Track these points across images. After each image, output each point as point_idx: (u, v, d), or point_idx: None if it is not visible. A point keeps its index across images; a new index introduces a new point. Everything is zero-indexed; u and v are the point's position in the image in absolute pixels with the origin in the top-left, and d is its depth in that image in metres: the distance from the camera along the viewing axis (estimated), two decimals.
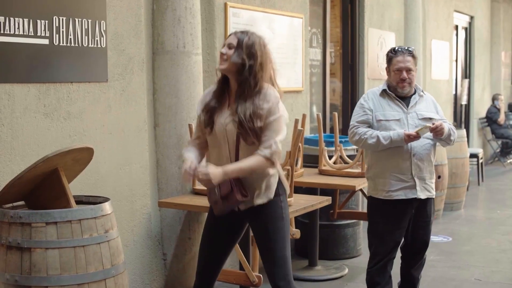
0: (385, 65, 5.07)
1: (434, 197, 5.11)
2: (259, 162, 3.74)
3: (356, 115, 5.05)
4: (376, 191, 5.05)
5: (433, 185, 5.07)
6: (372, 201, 5.12)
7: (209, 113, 3.86)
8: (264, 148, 3.74)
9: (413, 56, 4.96)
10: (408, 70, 4.93)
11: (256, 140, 3.75)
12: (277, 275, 3.91)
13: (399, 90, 4.98)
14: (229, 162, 3.84)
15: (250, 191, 3.86)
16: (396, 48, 5.00)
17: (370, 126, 4.98)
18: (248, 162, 3.74)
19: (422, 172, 4.95)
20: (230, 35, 3.87)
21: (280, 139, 3.78)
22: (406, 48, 5.00)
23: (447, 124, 4.96)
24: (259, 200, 3.89)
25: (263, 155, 3.74)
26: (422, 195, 4.96)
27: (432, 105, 5.10)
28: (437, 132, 4.83)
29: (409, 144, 4.88)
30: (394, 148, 4.90)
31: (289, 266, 3.94)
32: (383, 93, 5.03)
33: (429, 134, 4.89)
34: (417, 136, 4.80)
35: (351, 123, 5.07)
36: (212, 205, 3.97)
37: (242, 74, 3.74)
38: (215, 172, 3.68)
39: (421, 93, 5.07)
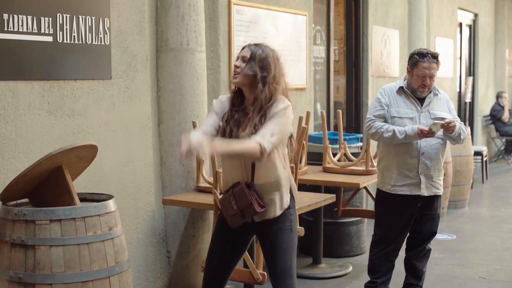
0: (407, 64, 5.09)
1: (441, 193, 5.21)
2: (250, 146, 3.60)
3: (373, 109, 5.14)
4: (383, 184, 5.20)
5: (441, 182, 5.19)
6: (379, 193, 5.28)
7: (232, 126, 3.78)
8: (260, 136, 3.64)
9: (438, 62, 5.00)
10: (431, 77, 4.98)
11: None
12: None
13: (418, 93, 5.03)
14: (244, 176, 3.81)
15: (266, 203, 3.82)
16: (423, 52, 5.00)
17: (386, 120, 5.08)
18: (239, 144, 3.65)
19: (429, 171, 5.04)
20: (244, 47, 3.84)
21: (277, 136, 3.69)
22: (432, 53, 5.00)
23: (458, 123, 5.03)
24: (276, 212, 3.85)
25: (256, 140, 3.61)
26: (427, 192, 5.07)
27: (445, 104, 5.19)
28: (448, 128, 4.89)
29: (418, 142, 4.98)
30: (404, 145, 5.01)
31: (294, 280, 3.90)
32: (400, 90, 5.09)
33: (440, 133, 4.95)
34: (430, 132, 4.85)
35: (367, 116, 5.17)
36: (227, 218, 3.88)
37: (256, 86, 3.71)
38: (207, 143, 3.51)
39: (436, 91, 5.14)
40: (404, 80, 5.16)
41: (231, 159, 3.84)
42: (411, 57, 5.07)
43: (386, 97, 5.12)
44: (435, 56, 5.00)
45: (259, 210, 3.76)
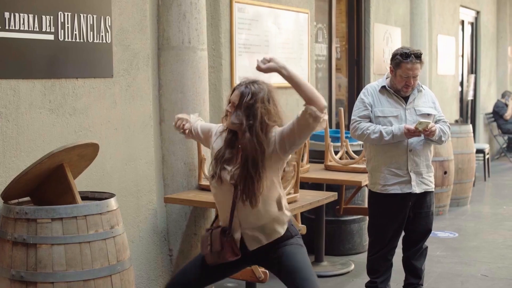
0: (390, 64, 5.05)
1: (433, 190, 5.18)
2: (318, 93, 3.55)
3: (357, 110, 5.12)
4: (374, 184, 5.18)
5: (432, 179, 5.16)
6: (371, 194, 5.25)
7: (220, 165, 3.73)
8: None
9: (421, 62, 4.96)
10: (415, 77, 4.95)
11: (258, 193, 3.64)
12: None
13: (402, 93, 5.01)
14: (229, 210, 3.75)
15: (253, 226, 3.76)
16: (406, 53, 4.93)
17: (371, 120, 5.06)
18: (308, 84, 3.58)
19: (418, 167, 5.03)
20: (234, 90, 3.73)
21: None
22: (415, 53, 4.93)
23: (439, 125, 5.03)
24: (273, 236, 3.78)
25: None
26: (418, 189, 5.05)
27: (430, 100, 5.16)
28: (429, 134, 4.91)
29: (406, 139, 4.94)
30: (392, 143, 4.97)
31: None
32: (383, 89, 5.07)
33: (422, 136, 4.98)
34: (416, 131, 4.84)
35: (352, 117, 5.14)
36: (203, 254, 3.86)
37: (244, 135, 3.63)
38: (280, 61, 3.50)
39: (420, 88, 5.11)
40: (387, 78, 5.12)
41: (221, 197, 3.78)
42: (394, 57, 4.99)
43: (370, 97, 5.09)
44: (418, 56, 4.93)
45: (230, 259, 3.73)
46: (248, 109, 3.62)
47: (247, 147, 3.63)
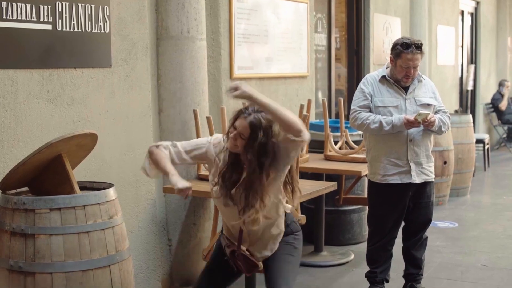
0: (390, 54, 5.02)
1: (433, 180, 5.17)
2: (293, 116, 3.35)
3: (357, 100, 5.10)
4: (373, 174, 5.17)
5: (432, 169, 5.15)
6: (371, 184, 5.25)
7: (227, 186, 3.59)
8: None
9: (421, 52, 4.93)
10: (415, 67, 4.93)
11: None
12: None
13: (402, 83, 4.99)
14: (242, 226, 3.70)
15: (261, 249, 3.76)
16: (407, 43, 4.90)
17: (371, 110, 5.04)
18: (283, 108, 3.36)
19: (418, 157, 5.03)
20: (239, 115, 3.49)
21: None
22: (416, 43, 4.90)
23: (439, 116, 5.03)
24: (274, 248, 3.77)
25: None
26: (418, 179, 5.05)
27: (430, 90, 5.15)
28: (428, 124, 4.90)
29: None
30: (392, 133, 4.96)
31: None
32: (383, 79, 5.05)
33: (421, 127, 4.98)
34: (416, 122, 4.83)
35: (352, 107, 5.13)
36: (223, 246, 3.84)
37: (253, 171, 3.46)
38: (247, 87, 3.28)
39: (421, 78, 5.10)
40: (387, 68, 5.11)
41: (226, 209, 3.72)
42: (394, 47, 4.96)
43: (369, 87, 5.08)
44: (419, 46, 4.90)
45: (248, 274, 3.82)
46: (262, 147, 3.42)
47: (252, 179, 3.49)
